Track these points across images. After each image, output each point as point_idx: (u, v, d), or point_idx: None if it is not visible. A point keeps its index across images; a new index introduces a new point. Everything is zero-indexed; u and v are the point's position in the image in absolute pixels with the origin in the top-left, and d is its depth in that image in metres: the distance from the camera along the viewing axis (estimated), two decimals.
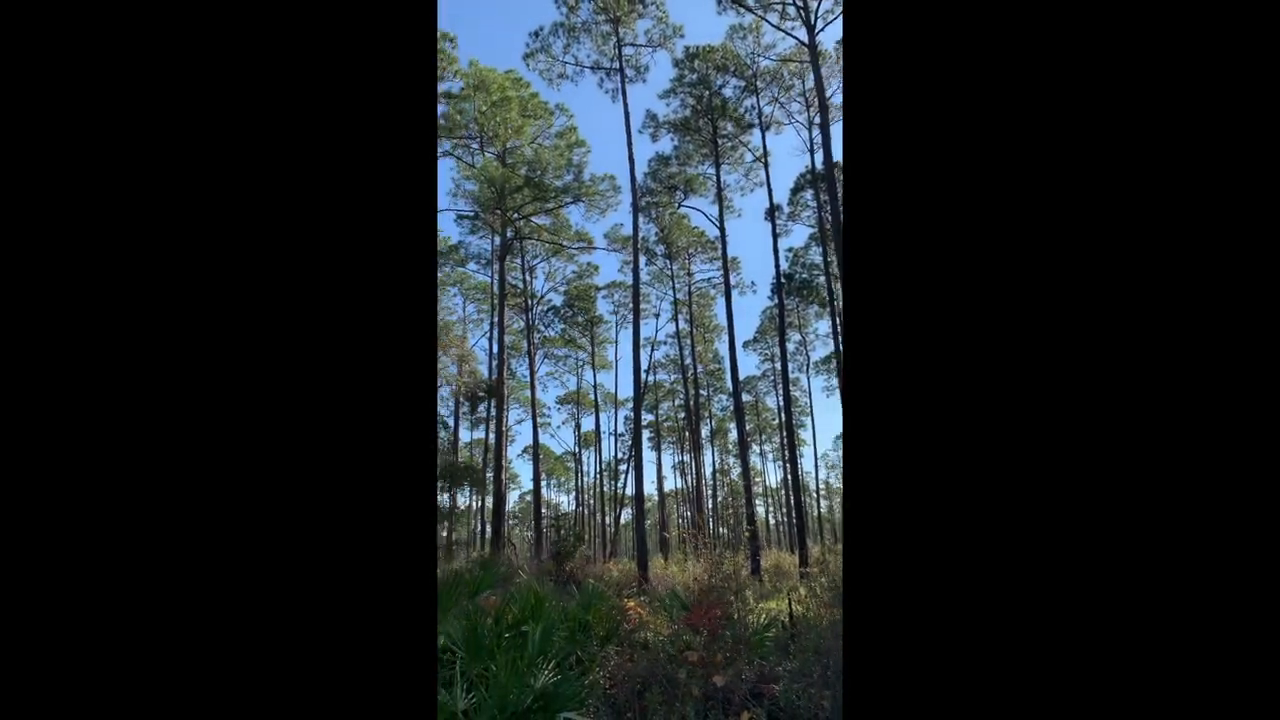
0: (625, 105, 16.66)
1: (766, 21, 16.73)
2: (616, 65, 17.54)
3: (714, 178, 19.58)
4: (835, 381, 29.33)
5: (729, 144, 19.81)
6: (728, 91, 18.69)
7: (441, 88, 19.19)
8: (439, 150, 20.23)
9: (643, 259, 21.66)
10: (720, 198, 18.99)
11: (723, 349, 29.76)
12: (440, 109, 19.50)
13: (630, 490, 26.33)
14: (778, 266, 18.24)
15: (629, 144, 16.82)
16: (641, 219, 18.26)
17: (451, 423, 24.48)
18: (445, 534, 20.34)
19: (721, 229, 18.87)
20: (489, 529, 21.23)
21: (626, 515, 29.33)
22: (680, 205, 22.62)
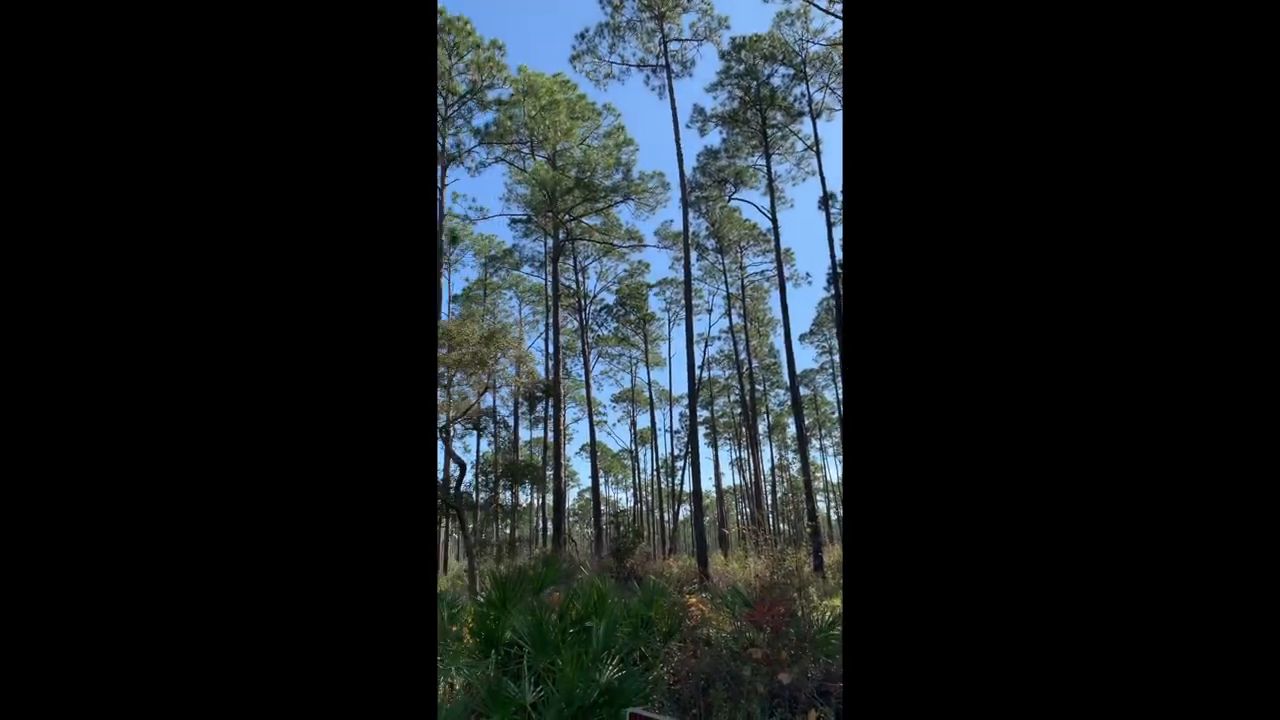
0: (672, 101, 16.63)
1: (814, 5, 16.34)
2: (662, 62, 17.51)
3: (764, 169, 19.29)
4: None
5: (779, 134, 19.46)
6: (776, 80, 18.36)
7: (491, 95, 19.63)
8: (491, 157, 20.72)
9: (694, 254, 21.55)
10: (771, 189, 18.69)
11: (778, 342, 29.34)
12: (490, 116, 19.95)
13: (688, 487, 26.30)
14: (833, 256, 17.80)
15: (677, 140, 16.77)
16: (691, 214, 18.19)
17: (511, 422, 25.06)
18: (509, 531, 20.84)
19: (774, 220, 18.57)
20: (550, 526, 21.63)
21: (684, 512, 29.30)
22: (730, 198, 22.39)
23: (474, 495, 18.32)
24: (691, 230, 17.84)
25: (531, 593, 5.13)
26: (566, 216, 19.45)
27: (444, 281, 19.78)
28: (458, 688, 4.29)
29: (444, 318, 18.00)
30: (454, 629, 5.19)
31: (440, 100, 19.34)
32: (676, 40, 17.64)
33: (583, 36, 17.63)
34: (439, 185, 19.63)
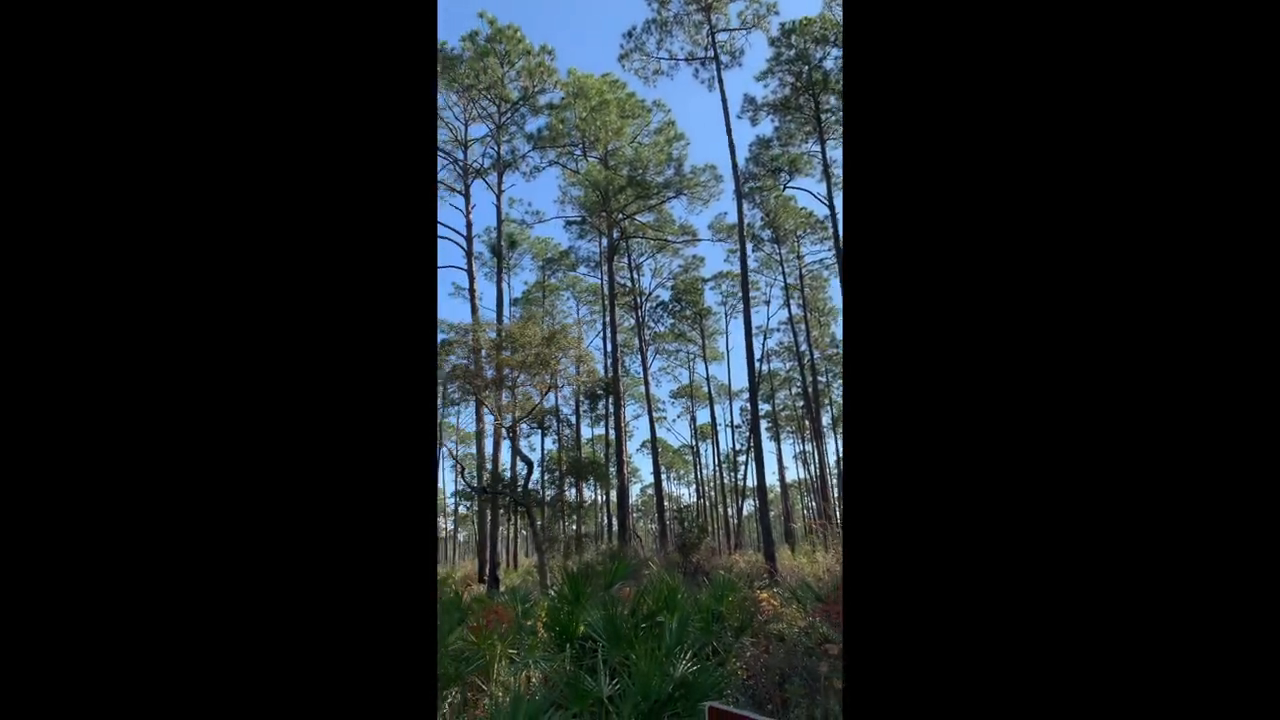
0: (722, 92, 16.44)
1: None
2: (710, 53, 17.35)
3: (819, 155, 18.83)
4: None
5: (833, 118, 18.93)
6: (829, 64, 17.86)
7: (543, 100, 19.97)
8: (545, 161, 21.07)
9: (749, 245, 21.28)
10: (827, 175, 18.23)
11: (840, 332, 28.56)
12: (543, 121, 20.30)
13: (751, 481, 26.03)
14: None
15: (728, 131, 16.59)
16: (746, 205, 17.95)
17: (573, 421, 25.48)
18: (574, 527, 21.21)
19: (831, 207, 18.11)
20: (614, 522, 21.89)
21: (748, 507, 29.00)
22: (785, 187, 21.97)
23: (541, 493, 18.74)
24: (746, 221, 17.59)
25: (602, 588, 5.22)
26: (620, 215, 19.58)
27: (504, 286, 20.28)
28: (535, 680, 4.43)
29: (505, 321, 18.47)
30: (528, 623, 5.35)
31: (494, 108, 19.83)
32: (724, 30, 17.43)
33: (630, 35, 17.68)
34: (497, 191, 20.14)
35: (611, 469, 20.42)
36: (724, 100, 16.35)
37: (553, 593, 7.48)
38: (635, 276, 25.02)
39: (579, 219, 22.22)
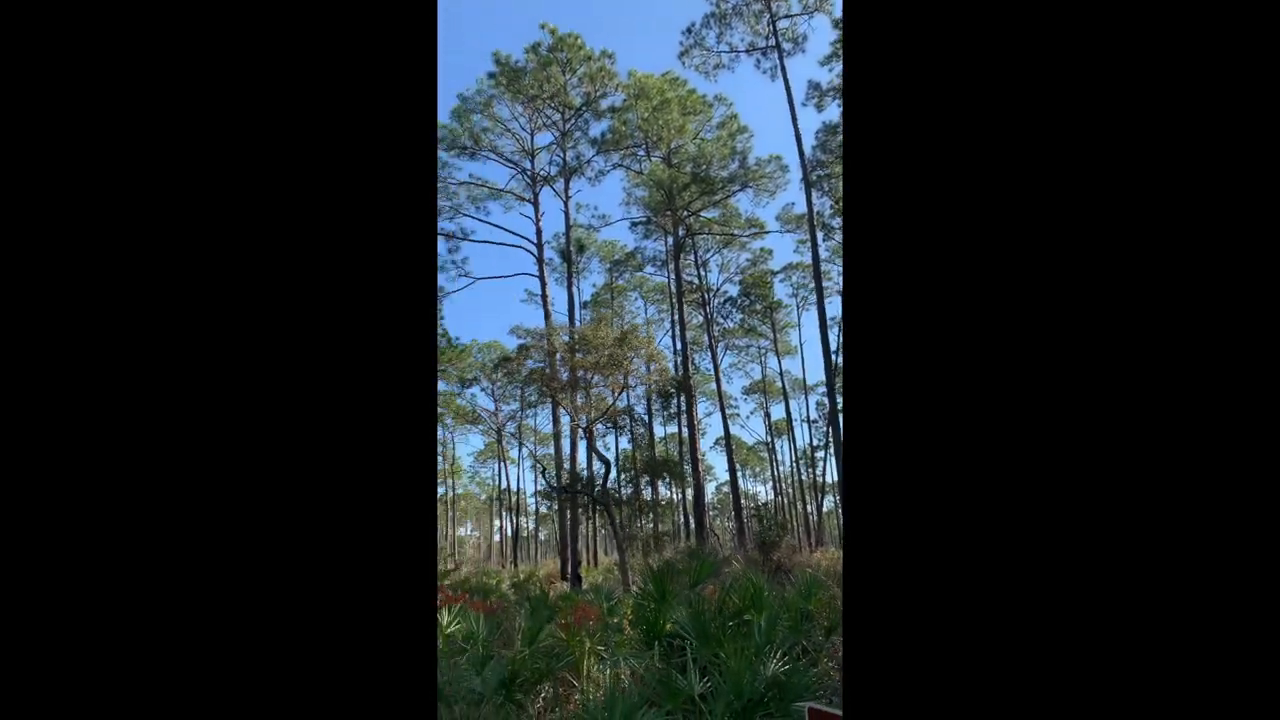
0: (785, 81, 16.10)
1: None
2: (772, 42, 17.02)
3: None
4: None
5: None
6: None
7: (604, 104, 20.19)
8: (609, 164, 21.30)
9: (820, 234, 20.72)
10: None
11: None
12: (605, 125, 20.53)
13: (830, 477, 25.34)
14: None
15: (793, 119, 16.21)
16: (814, 193, 17.46)
17: (646, 419, 25.65)
18: (651, 526, 21.34)
19: None
20: (690, 520, 21.86)
21: (829, 503, 28.26)
22: None
23: (618, 492, 18.98)
24: (816, 210, 17.13)
25: (687, 586, 5.23)
26: (685, 213, 19.53)
27: (574, 290, 20.68)
28: (624, 678, 4.49)
29: (576, 324, 18.82)
30: (614, 620, 5.44)
31: (558, 115, 20.23)
32: (786, 17, 17.05)
33: (689, 31, 17.60)
34: (564, 197, 20.55)
35: (686, 467, 20.41)
36: (788, 89, 16.01)
37: (635, 591, 7.56)
38: (702, 273, 24.88)
39: (644, 219, 22.34)
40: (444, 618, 5.50)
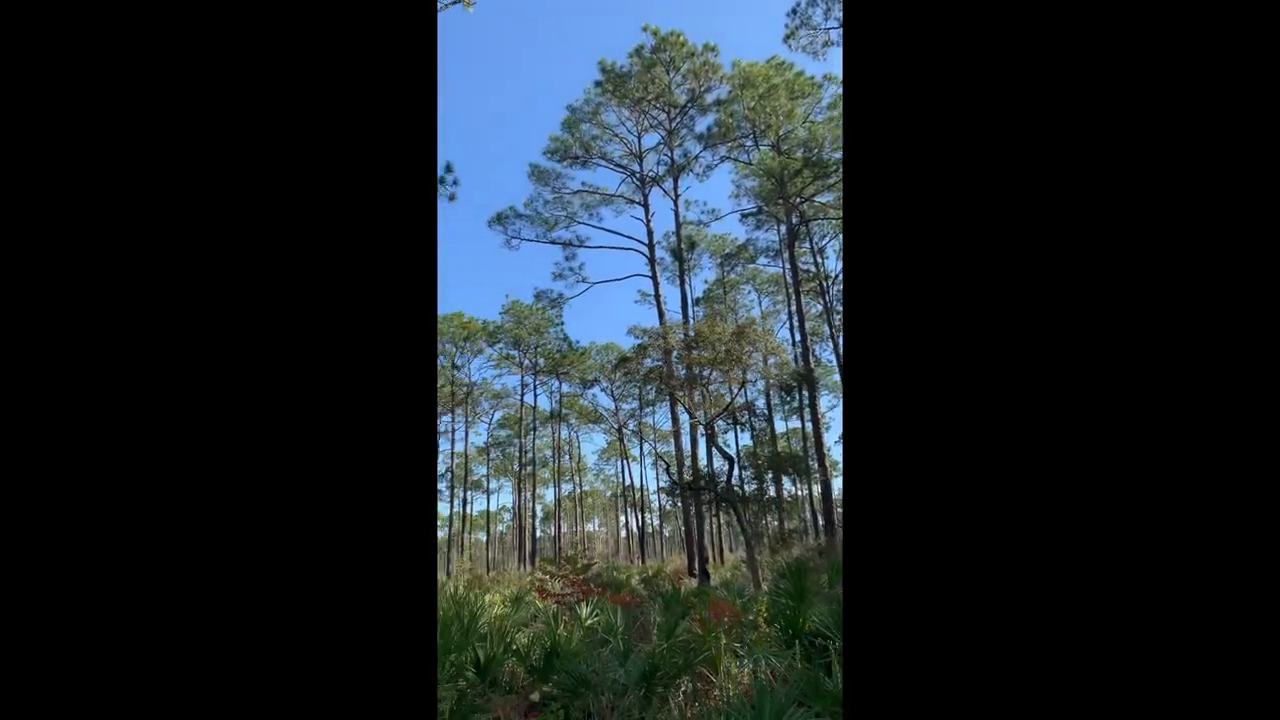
0: None
1: None
2: None
3: None
4: None
5: None
6: None
7: (710, 97, 20.05)
8: (717, 158, 21.13)
9: None
10: None
11: None
12: (711, 118, 20.37)
13: None
14: None
15: None
16: None
17: (767, 414, 25.15)
18: (778, 523, 20.91)
19: None
20: (818, 517, 21.14)
21: None
22: None
23: (742, 488, 18.80)
24: None
25: (825, 585, 5.06)
26: (798, 199, 18.91)
27: (687, 287, 20.71)
28: (763, 675, 4.43)
29: (689, 321, 18.85)
30: (749, 617, 5.38)
31: (664, 115, 20.37)
32: None
33: (794, 12, 17.01)
34: (674, 196, 20.66)
35: (811, 462, 19.76)
36: None
37: (766, 588, 7.43)
38: (819, 260, 23.96)
39: (754, 210, 21.91)
40: (583, 610, 5.74)
